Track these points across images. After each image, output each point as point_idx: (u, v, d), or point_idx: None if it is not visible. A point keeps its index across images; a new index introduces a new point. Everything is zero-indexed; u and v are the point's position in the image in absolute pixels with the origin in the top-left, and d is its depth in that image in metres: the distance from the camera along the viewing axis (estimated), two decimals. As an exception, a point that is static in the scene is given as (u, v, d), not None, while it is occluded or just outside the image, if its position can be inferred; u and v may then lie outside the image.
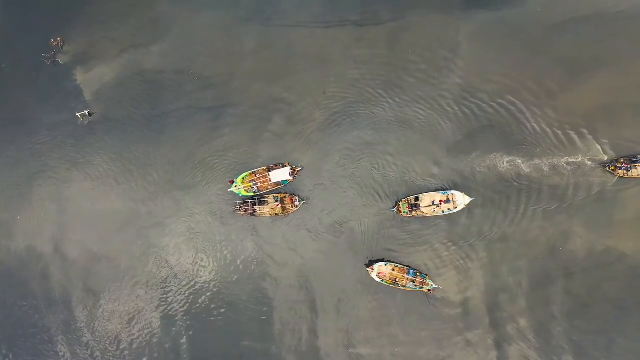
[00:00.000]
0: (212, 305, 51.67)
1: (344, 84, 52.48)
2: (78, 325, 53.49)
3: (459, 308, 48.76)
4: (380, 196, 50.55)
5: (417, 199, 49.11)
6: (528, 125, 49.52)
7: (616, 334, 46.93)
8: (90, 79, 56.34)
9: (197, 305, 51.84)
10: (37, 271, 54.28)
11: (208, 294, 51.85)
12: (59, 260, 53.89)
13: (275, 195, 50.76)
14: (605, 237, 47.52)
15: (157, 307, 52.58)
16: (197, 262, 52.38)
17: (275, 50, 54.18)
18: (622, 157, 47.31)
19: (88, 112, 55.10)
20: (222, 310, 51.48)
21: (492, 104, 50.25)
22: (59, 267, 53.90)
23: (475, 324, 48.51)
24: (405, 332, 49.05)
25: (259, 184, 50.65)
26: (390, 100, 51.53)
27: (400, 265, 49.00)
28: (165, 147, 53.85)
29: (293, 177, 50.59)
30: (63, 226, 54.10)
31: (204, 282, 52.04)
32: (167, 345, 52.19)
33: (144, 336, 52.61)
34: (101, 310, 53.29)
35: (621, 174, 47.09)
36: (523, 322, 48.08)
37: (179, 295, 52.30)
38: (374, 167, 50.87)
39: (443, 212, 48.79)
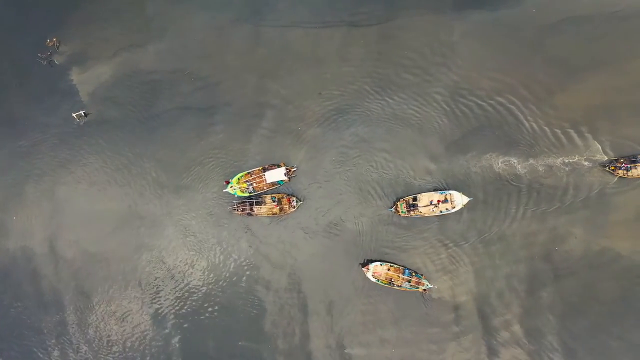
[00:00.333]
0: (207, 306, 51.78)
1: (340, 84, 52.56)
2: (72, 326, 53.52)
3: (454, 308, 48.91)
4: (377, 196, 50.61)
5: (415, 199, 49.15)
6: (526, 124, 49.74)
7: (612, 335, 47.18)
8: (86, 79, 56.21)
9: (192, 305, 51.92)
10: (32, 272, 54.23)
11: (203, 294, 51.93)
12: (54, 260, 53.86)
13: (272, 195, 50.79)
14: (603, 237, 47.79)
15: (152, 308, 52.61)
16: (192, 263, 52.44)
17: (270, 50, 54.16)
18: (621, 157, 47.39)
19: (84, 113, 55.05)
20: (217, 311, 51.57)
21: (490, 102, 50.45)
22: (54, 268, 53.86)
23: (470, 324, 48.69)
24: (402, 332, 49.17)
25: (254, 184, 50.68)
26: (386, 99, 51.68)
27: (396, 265, 49.08)
28: (161, 147, 53.84)
29: (288, 177, 50.63)
30: (59, 226, 54.04)
31: (199, 282, 52.11)
32: (160, 346, 52.26)
33: (137, 336, 52.63)
34: (95, 310, 53.30)
35: (621, 174, 47.18)
36: (518, 323, 48.31)
37: (174, 295, 52.35)
38: (370, 167, 51.02)
39: (441, 212, 48.87)
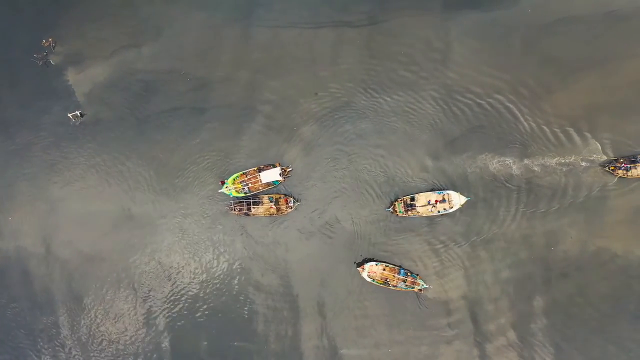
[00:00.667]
0: (200, 306, 51.77)
1: (336, 84, 52.52)
2: (66, 326, 53.42)
3: (449, 308, 48.99)
4: (374, 196, 50.66)
5: (412, 199, 49.20)
6: (525, 124, 49.84)
7: (606, 335, 47.37)
8: (82, 80, 56.06)
9: (186, 306, 51.91)
10: (28, 272, 54.11)
11: (197, 294, 51.90)
12: (49, 261, 53.71)
13: (270, 195, 50.79)
14: (602, 237, 47.96)
15: (146, 308, 52.57)
16: (187, 263, 52.39)
17: (266, 50, 54.09)
18: (621, 157, 47.41)
19: (80, 113, 55.00)
20: (211, 311, 51.53)
21: (488, 100, 50.46)
22: (50, 268, 53.73)
23: (466, 324, 48.76)
24: (397, 333, 49.19)
25: (249, 184, 50.67)
26: (383, 99, 51.68)
27: (391, 265, 49.12)
28: (157, 147, 53.75)
29: (284, 178, 50.65)
30: (54, 227, 53.89)
31: (194, 283, 52.08)
32: (154, 346, 52.19)
33: (131, 337, 52.58)
34: (90, 311, 53.19)
35: (621, 174, 47.19)
36: (512, 323, 48.40)
37: (168, 295, 52.33)
38: (366, 166, 51.05)
39: (439, 211, 48.92)
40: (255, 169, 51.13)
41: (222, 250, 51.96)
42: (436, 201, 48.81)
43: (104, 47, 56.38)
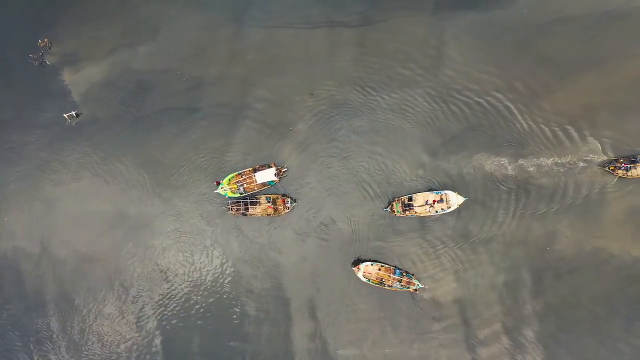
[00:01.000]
0: (195, 306, 51.80)
1: (331, 84, 52.58)
2: (61, 327, 53.48)
3: (445, 308, 48.93)
4: (371, 195, 50.62)
5: (410, 199, 49.19)
6: (524, 123, 49.86)
7: (600, 336, 47.41)
8: (78, 80, 56.18)
9: (181, 306, 51.95)
10: (22, 272, 54.19)
11: (192, 295, 51.92)
12: (45, 261, 53.79)
13: (267, 196, 50.78)
14: (599, 237, 47.89)
15: (141, 309, 52.60)
16: (182, 263, 52.42)
17: (262, 50, 54.21)
18: (621, 157, 47.38)
19: (75, 113, 55.03)
20: (208, 311, 51.55)
21: (487, 99, 50.52)
22: (45, 268, 53.80)
23: (461, 324, 48.73)
24: (393, 333, 49.17)
25: (245, 185, 50.68)
26: (379, 98, 51.74)
27: (387, 265, 49.12)
28: (153, 147, 53.83)
29: (279, 178, 50.63)
30: (51, 227, 53.97)
31: (189, 283, 52.11)
32: (148, 346, 52.21)
33: (127, 337, 52.63)
34: (83, 311, 53.23)
35: (621, 174, 47.17)
36: (508, 323, 48.35)
37: (164, 296, 52.33)
38: (362, 166, 51.04)
39: (436, 211, 48.94)
40: (251, 169, 51.12)
41: (217, 250, 51.98)
42: (434, 201, 48.81)
43: (100, 47, 56.52)
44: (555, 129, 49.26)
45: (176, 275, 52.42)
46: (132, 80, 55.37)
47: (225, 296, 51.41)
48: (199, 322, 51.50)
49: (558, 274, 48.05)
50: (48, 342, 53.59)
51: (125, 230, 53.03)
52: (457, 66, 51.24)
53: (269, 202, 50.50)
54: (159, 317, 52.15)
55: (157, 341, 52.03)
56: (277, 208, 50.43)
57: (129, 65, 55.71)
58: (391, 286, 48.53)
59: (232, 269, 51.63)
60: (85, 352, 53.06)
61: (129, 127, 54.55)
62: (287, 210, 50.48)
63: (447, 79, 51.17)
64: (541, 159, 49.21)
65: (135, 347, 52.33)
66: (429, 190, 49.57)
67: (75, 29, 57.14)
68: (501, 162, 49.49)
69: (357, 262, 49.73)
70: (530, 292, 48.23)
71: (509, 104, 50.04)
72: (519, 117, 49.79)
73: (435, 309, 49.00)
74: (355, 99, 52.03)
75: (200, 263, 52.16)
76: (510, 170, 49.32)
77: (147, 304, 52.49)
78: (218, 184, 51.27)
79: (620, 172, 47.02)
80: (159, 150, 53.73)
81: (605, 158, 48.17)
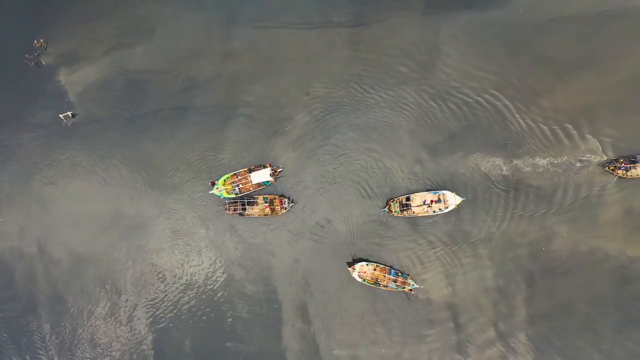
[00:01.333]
0: (192, 307, 51.84)
1: (327, 84, 52.53)
2: (57, 327, 53.62)
3: (440, 308, 48.86)
4: (367, 195, 50.55)
5: (408, 199, 49.20)
6: (522, 123, 49.54)
7: (594, 337, 47.38)
8: (74, 80, 56.29)
9: (179, 306, 51.98)
10: (20, 273, 54.37)
11: (188, 295, 51.96)
12: (40, 262, 53.90)
13: (264, 196, 50.80)
14: (597, 237, 47.69)
15: (136, 309, 52.71)
16: (178, 264, 52.42)
17: (258, 50, 54.22)
18: (621, 157, 47.28)
19: (71, 114, 55.10)
20: (202, 312, 51.62)
21: (485, 97, 50.32)
22: (41, 269, 53.93)
23: (457, 324, 48.68)
24: (389, 333, 49.13)
25: (240, 185, 50.70)
26: (375, 97, 51.63)
27: (382, 265, 49.14)
28: (149, 147, 53.85)
29: (274, 178, 50.65)
30: (47, 227, 54.06)
31: (185, 284, 52.13)
32: (144, 346, 52.33)
33: (122, 337, 52.74)
34: (77, 312, 53.37)
35: (620, 174, 47.06)
36: (504, 324, 48.28)
37: (160, 296, 52.41)
38: (359, 166, 50.91)
39: (434, 211, 48.91)
40: (246, 169, 51.12)
41: (212, 251, 51.97)
42: (431, 201, 48.81)
43: (96, 47, 56.65)
44: (554, 127, 49.02)
45: (171, 275, 52.45)
46: (128, 81, 55.45)
47: (219, 297, 51.46)
48: (191, 322, 51.54)
49: (554, 274, 47.90)
50: (40, 343, 53.78)
51: (121, 230, 53.06)
52: (454, 65, 51.07)
53: (266, 202, 50.53)
54: (152, 317, 52.21)
55: (152, 341, 52.14)
56: (274, 208, 50.46)
57: (125, 66, 55.80)
58: (386, 286, 48.58)
59: (226, 270, 51.65)
60: (79, 354, 53.26)
61: (125, 127, 54.60)
62: (285, 211, 50.50)
63: (444, 77, 50.99)
64: (540, 159, 48.99)
65: (128, 347, 52.44)
66: (427, 190, 49.53)
67: (71, 29, 57.24)
68: (497, 163, 49.40)
69: (352, 262, 49.76)
70: (525, 293, 48.12)
71: (507, 103, 49.89)
72: (517, 116, 49.64)
73: (430, 310, 48.93)
74: (351, 98, 51.97)
75: (195, 264, 52.19)
76: (505, 170, 49.23)
77: (141, 305, 52.56)
78: (213, 184, 51.30)
79: (620, 172, 46.90)
80: (154, 150, 53.77)
81: (605, 158, 48.02)
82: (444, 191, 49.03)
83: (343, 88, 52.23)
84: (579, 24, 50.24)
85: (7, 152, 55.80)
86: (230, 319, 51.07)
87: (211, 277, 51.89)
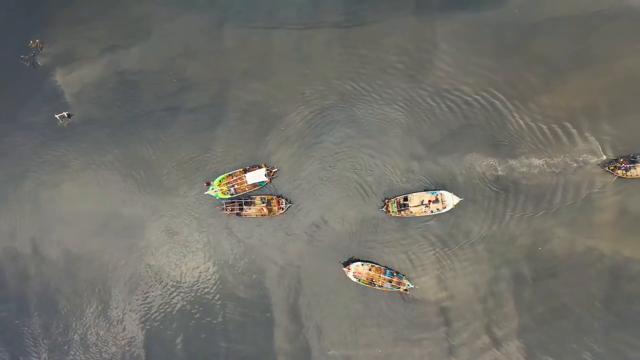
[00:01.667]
0: (188, 308, 51.96)
1: (323, 84, 52.48)
2: (53, 328, 53.81)
3: (436, 308, 48.96)
4: (363, 195, 50.57)
5: (406, 199, 49.22)
6: (521, 122, 49.45)
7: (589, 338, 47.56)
8: (70, 81, 56.26)
9: (176, 307, 52.13)
10: (16, 273, 54.59)
11: (184, 295, 52.09)
12: (36, 261, 54.06)
13: (262, 196, 50.82)
14: (591, 237, 47.71)
15: (134, 310, 52.82)
16: (173, 264, 52.54)
17: (254, 50, 54.13)
18: (621, 157, 47.27)
19: (67, 114, 55.11)
20: (199, 311, 51.75)
21: (483, 95, 50.27)
22: (34, 269, 54.12)
23: (452, 325, 48.78)
24: (385, 333, 49.20)
25: (235, 186, 50.75)
26: (371, 96, 51.59)
27: (377, 265, 49.21)
28: (145, 148, 53.89)
29: (269, 179, 50.70)
30: (41, 227, 54.17)
31: (182, 284, 52.26)
32: (140, 347, 52.56)
33: (118, 337, 52.93)
34: (73, 311, 53.54)
35: (620, 174, 47.04)
36: (500, 324, 48.37)
37: (156, 296, 52.56)
38: (355, 165, 50.88)
39: (432, 212, 48.93)
40: (241, 170, 51.15)
41: (210, 251, 52.02)
42: (429, 201, 48.84)
43: (92, 48, 56.63)
44: (554, 126, 49.00)
45: (165, 276, 52.54)
46: (124, 81, 55.43)
47: (213, 297, 51.53)
48: (184, 322, 51.68)
49: (551, 275, 47.91)
50: (32, 344, 54.06)
51: (115, 230, 53.12)
52: (450, 65, 51.03)
53: (263, 202, 50.56)
54: (145, 318, 52.35)
55: (144, 341, 52.33)
56: (271, 209, 50.48)
57: (121, 66, 55.75)
58: (381, 286, 48.68)
59: (221, 270, 51.69)
60: (71, 354, 53.48)
61: (120, 127, 54.61)
62: (282, 211, 50.53)
63: (440, 75, 50.92)
64: (537, 159, 48.97)
65: (120, 347, 52.65)
66: (425, 190, 49.54)
67: (67, 29, 57.20)
68: (492, 163, 49.40)
69: (347, 262, 49.85)
70: (520, 294, 48.23)
71: (508, 102, 49.84)
72: (516, 116, 49.59)
73: (424, 311, 49.03)
74: (347, 98, 51.92)
75: (190, 264, 52.26)
76: (500, 171, 49.23)
77: (134, 305, 52.71)
78: (208, 185, 51.35)
79: (620, 172, 46.90)
80: (149, 150, 53.80)
81: (604, 158, 47.94)
82: (442, 191, 49.03)
83: (339, 87, 52.16)
84: (574, 23, 50.10)
85: (3, 153, 55.83)
86: (223, 320, 51.13)
87: (205, 277, 51.99)
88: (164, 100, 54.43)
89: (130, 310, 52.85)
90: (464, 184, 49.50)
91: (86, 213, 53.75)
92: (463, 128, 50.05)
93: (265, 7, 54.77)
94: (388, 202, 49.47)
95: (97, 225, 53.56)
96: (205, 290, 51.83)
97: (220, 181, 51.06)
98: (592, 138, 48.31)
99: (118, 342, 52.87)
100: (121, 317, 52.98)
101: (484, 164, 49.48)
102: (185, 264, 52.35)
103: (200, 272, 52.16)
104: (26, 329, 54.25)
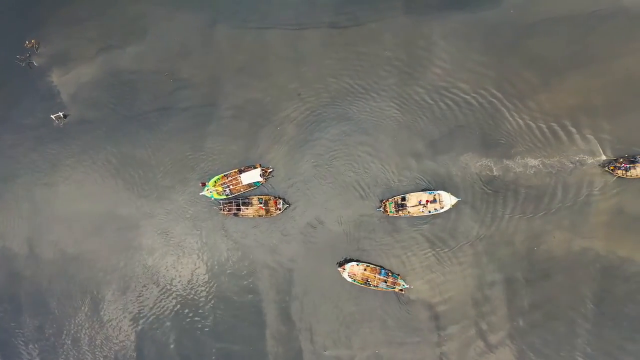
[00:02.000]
0: (182, 308, 52.02)
1: (319, 84, 52.38)
2: (50, 328, 53.93)
3: (432, 308, 48.93)
4: (360, 196, 50.50)
5: (403, 199, 49.15)
6: (521, 122, 49.34)
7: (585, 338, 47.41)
8: (66, 81, 56.24)
9: (169, 308, 52.21)
10: (10, 273, 54.70)
11: (179, 296, 52.15)
12: (30, 262, 54.16)
13: (259, 197, 50.81)
14: (587, 237, 47.61)
15: (130, 310, 52.96)
16: (172, 265, 52.61)
17: (250, 50, 54.03)
18: (621, 157, 47.14)
19: (63, 114, 55.14)
20: (196, 312, 51.79)
21: (481, 94, 50.14)
22: (34, 269, 54.17)
23: (449, 325, 48.76)
24: (382, 333, 49.21)
25: (230, 186, 50.72)
26: (368, 96, 51.48)
27: (372, 265, 49.18)
28: (141, 148, 53.88)
29: (264, 179, 50.66)
30: (38, 228, 54.26)
31: (180, 284, 52.33)
32: (138, 348, 52.64)
33: (116, 337, 53.02)
34: (66, 312, 53.64)
35: (620, 174, 46.89)
36: (498, 325, 48.35)
37: (153, 297, 52.64)
38: (352, 166, 50.80)
39: (430, 212, 48.86)
40: (236, 170, 51.12)
41: (206, 251, 52.05)
42: (427, 201, 48.76)
43: (88, 48, 56.59)
44: (553, 124, 48.81)
45: (161, 276, 52.59)
46: (121, 81, 55.39)
47: (207, 298, 51.59)
48: (178, 322, 51.78)
49: (548, 274, 47.81)
50: (23, 344, 54.21)
51: (111, 231, 53.19)
52: (447, 64, 50.84)
53: (260, 203, 50.54)
54: (138, 318, 52.46)
55: (136, 342, 52.42)
56: (268, 209, 50.45)
57: (117, 66, 55.72)
58: (377, 286, 48.65)
59: (216, 271, 51.73)
60: (64, 354, 53.66)
61: (116, 127, 54.59)
62: (279, 212, 50.50)
63: (438, 74, 50.76)
64: (536, 160, 48.79)
65: (114, 348, 52.74)
66: (422, 190, 49.45)
67: (63, 29, 57.15)
68: (489, 163, 49.28)
69: (342, 262, 49.84)
70: (518, 294, 48.21)
71: (505, 101, 49.68)
72: (515, 116, 49.42)
73: (421, 310, 49.02)
74: (342, 98, 51.81)
75: (186, 264, 52.31)
76: (502, 171, 49.09)
77: (128, 305, 52.82)
78: (204, 185, 51.34)
79: (619, 172, 46.75)
80: (146, 150, 53.80)
81: (604, 158, 47.77)
82: (439, 191, 48.94)
83: (335, 87, 52.06)
84: (571, 23, 49.83)
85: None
86: (218, 320, 51.19)
87: (198, 277, 52.01)
88: (159, 101, 54.31)
89: (124, 311, 52.96)
90: (461, 183, 49.34)
91: (82, 213, 53.80)
92: (460, 127, 49.89)
93: (261, 8, 54.48)
94: (386, 202, 49.38)
95: (92, 226, 53.59)
96: (198, 291, 51.90)
97: (215, 182, 51.04)
98: (591, 137, 48.13)
99: (111, 343, 53.00)
100: (114, 317, 53.07)
101: (482, 163, 49.29)
102: (180, 265, 52.39)
103: (193, 273, 52.19)
104: (19, 330, 54.40)
